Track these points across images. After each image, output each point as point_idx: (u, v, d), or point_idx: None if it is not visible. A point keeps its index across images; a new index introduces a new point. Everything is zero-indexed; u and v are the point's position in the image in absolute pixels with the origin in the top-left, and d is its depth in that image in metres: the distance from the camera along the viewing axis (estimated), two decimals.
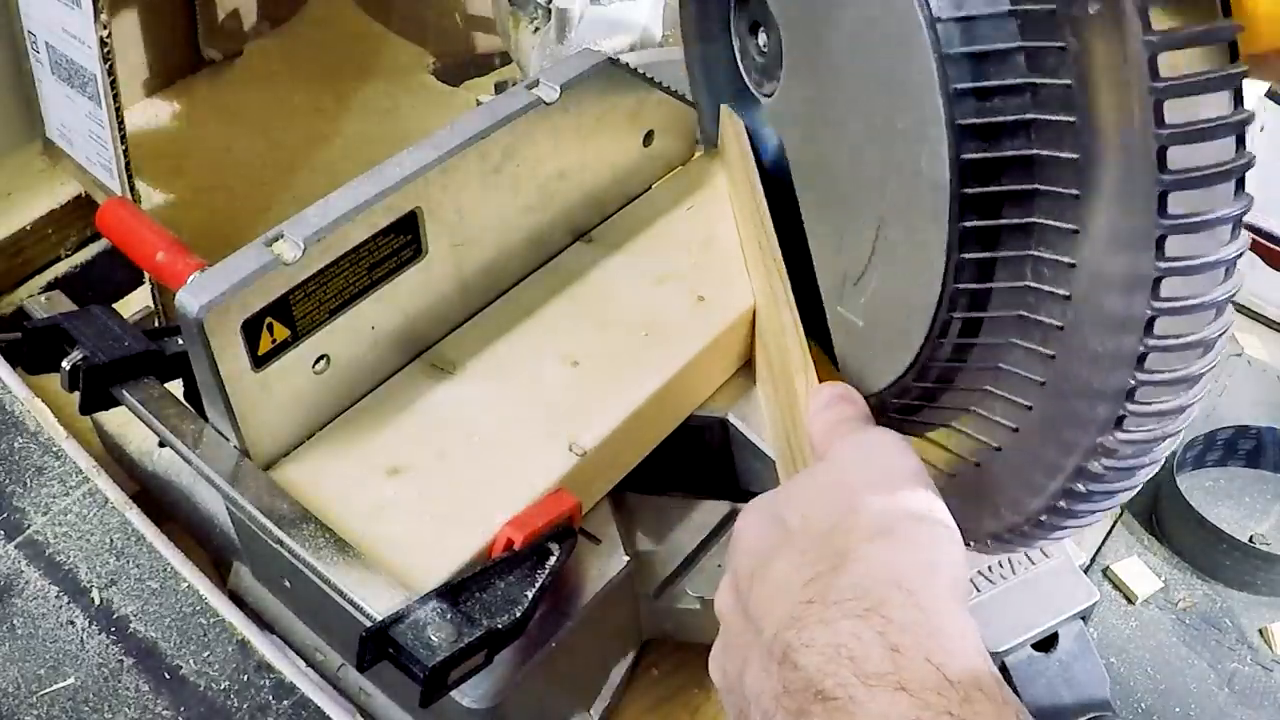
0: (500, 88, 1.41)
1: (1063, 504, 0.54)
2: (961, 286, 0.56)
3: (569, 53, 1.16)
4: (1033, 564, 0.67)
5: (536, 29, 1.22)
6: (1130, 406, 0.49)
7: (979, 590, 0.65)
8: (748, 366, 0.86)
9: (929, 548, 0.52)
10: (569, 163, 0.85)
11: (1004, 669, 0.63)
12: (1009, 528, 0.58)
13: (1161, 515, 1.08)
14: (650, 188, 0.94)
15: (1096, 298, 0.49)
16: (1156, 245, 0.45)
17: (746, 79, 0.82)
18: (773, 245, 0.81)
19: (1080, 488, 0.53)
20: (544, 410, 0.76)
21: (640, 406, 0.76)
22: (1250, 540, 1.03)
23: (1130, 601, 0.99)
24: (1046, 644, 0.64)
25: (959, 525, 0.56)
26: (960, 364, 0.59)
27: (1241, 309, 1.31)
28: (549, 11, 1.19)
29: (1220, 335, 0.48)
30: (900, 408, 0.65)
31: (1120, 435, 0.50)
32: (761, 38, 0.79)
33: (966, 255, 0.54)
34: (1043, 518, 0.56)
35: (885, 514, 0.52)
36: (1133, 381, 0.48)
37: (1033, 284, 0.53)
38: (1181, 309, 0.46)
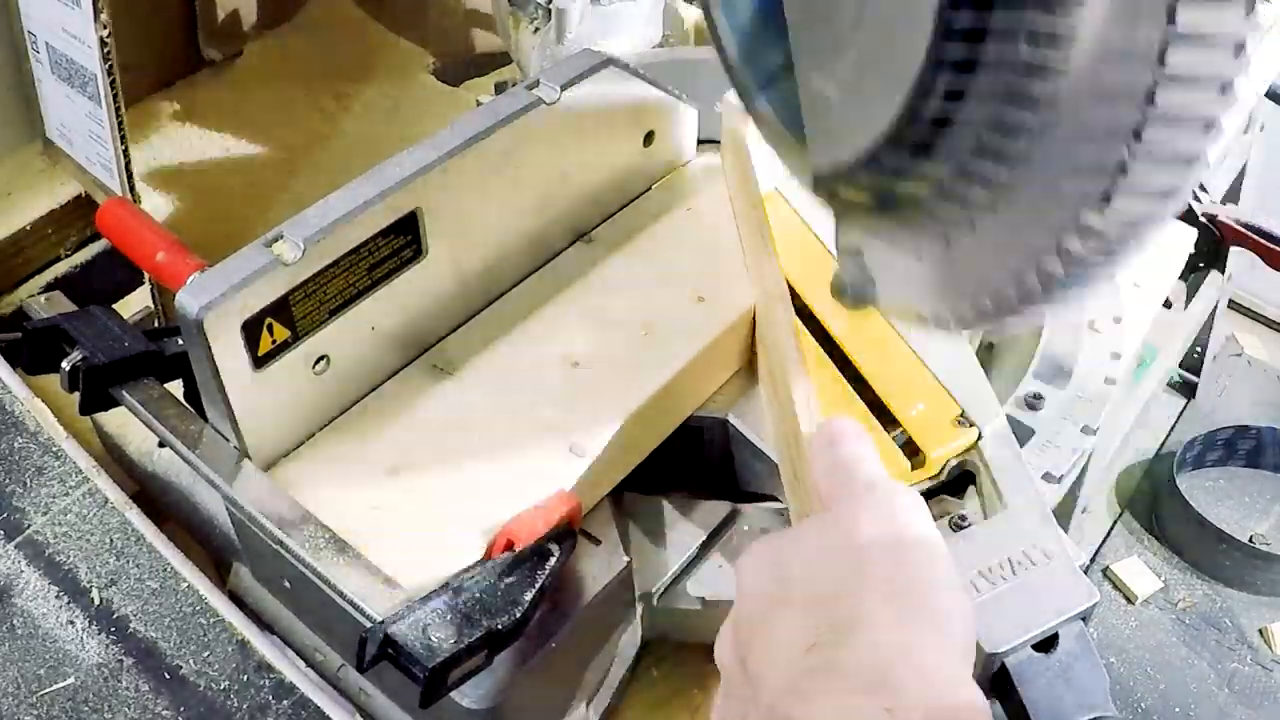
0: (500, 88, 1.41)
1: (1037, 285, 0.52)
2: (948, 46, 0.52)
3: (569, 53, 1.16)
4: (1033, 564, 0.67)
5: (536, 29, 1.22)
6: (1120, 182, 0.47)
7: (979, 591, 0.65)
8: (748, 367, 0.86)
9: (941, 619, 0.50)
10: (569, 163, 0.85)
11: (1004, 670, 0.63)
12: (977, 308, 0.56)
13: (1161, 515, 1.08)
14: (650, 188, 0.94)
15: (1095, 62, 0.47)
16: (1168, 14, 0.43)
17: None
18: (771, 244, 0.81)
19: (1058, 270, 0.51)
20: (544, 411, 0.76)
21: (640, 407, 0.76)
22: (1250, 540, 1.03)
23: (1130, 601, 1.00)
24: (1046, 644, 0.64)
25: (924, 305, 0.54)
26: (939, 133, 0.55)
27: (1241, 309, 1.31)
28: (549, 12, 1.19)
29: (1222, 115, 0.46)
30: (869, 181, 0.61)
31: (1107, 213, 0.48)
32: None
33: (957, 9, 0.51)
34: (1014, 298, 0.54)
35: (895, 581, 0.50)
36: (1125, 155, 0.46)
37: (1025, 47, 0.49)
38: (1185, 82, 0.45)
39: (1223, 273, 1.40)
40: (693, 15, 1.36)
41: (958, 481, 0.78)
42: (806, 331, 0.82)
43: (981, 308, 0.56)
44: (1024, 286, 0.53)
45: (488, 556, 0.67)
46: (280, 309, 0.69)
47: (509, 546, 0.67)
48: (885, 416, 0.79)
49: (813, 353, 0.82)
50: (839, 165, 0.62)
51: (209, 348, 0.66)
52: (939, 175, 0.57)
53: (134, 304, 1.08)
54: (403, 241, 0.74)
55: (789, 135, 0.69)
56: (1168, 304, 1.22)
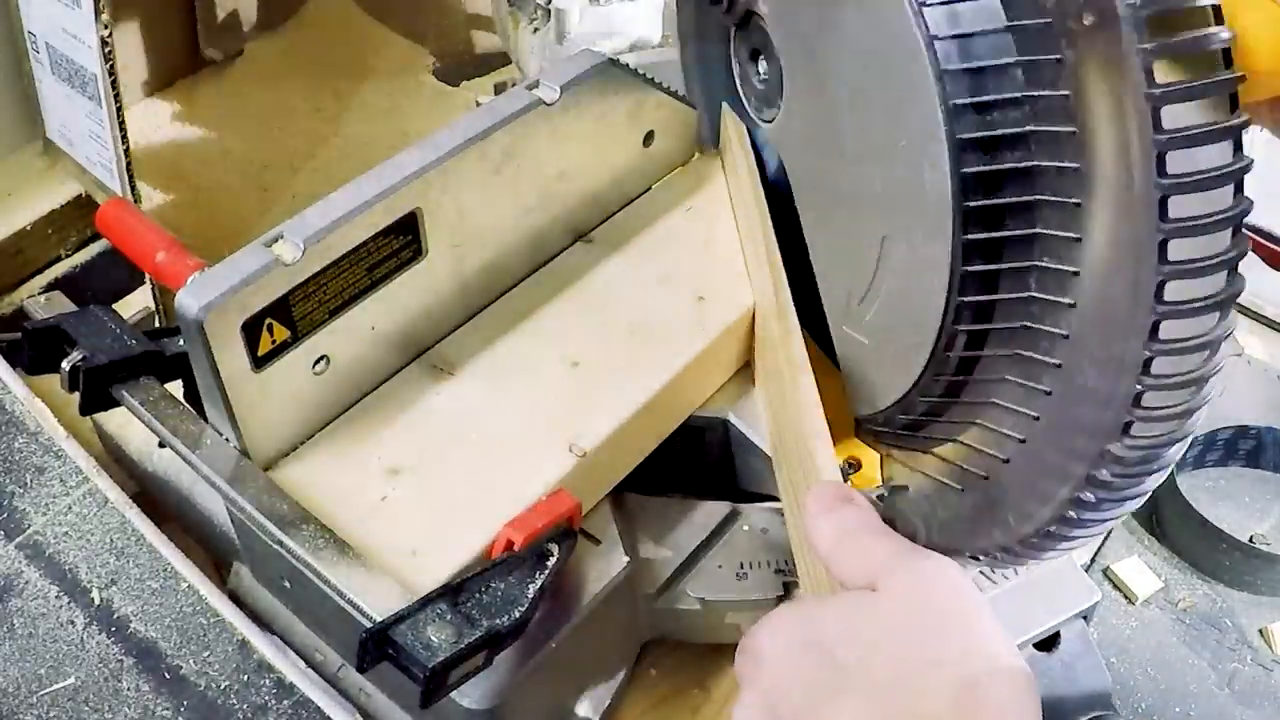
0: (499, 88, 1.41)
1: (1072, 514, 0.54)
2: (966, 300, 0.56)
3: (568, 53, 1.16)
4: (1035, 563, 0.67)
5: (536, 29, 1.22)
6: (1137, 412, 0.49)
7: (982, 590, 0.66)
8: (748, 367, 0.86)
9: (1013, 704, 0.50)
10: (569, 163, 0.85)
11: None
12: (1018, 539, 0.58)
13: (1162, 515, 1.08)
14: (650, 188, 0.94)
15: (1100, 305, 0.50)
16: (1159, 249, 0.45)
17: (747, 106, 0.83)
18: (772, 246, 0.81)
19: (1089, 496, 0.53)
20: (544, 411, 0.76)
21: (640, 407, 0.76)
22: (1250, 540, 1.03)
23: (1130, 601, 1.00)
24: (1049, 643, 0.64)
25: (967, 540, 0.55)
26: (966, 377, 0.59)
27: (1242, 309, 1.31)
28: (548, 12, 1.19)
29: (1225, 336, 0.48)
30: (906, 423, 0.65)
31: (1128, 442, 0.50)
32: (762, 65, 0.80)
33: (970, 268, 0.55)
34: (1051, 528, 0.56)
35: (963, 668, 0.50)
36: (1139, 387, 0.48)
37: (1037, 294, 0.53)
38: (1186, 311, 0.47)
39: None
40: None
41: None
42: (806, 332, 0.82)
43: (1023, 539, 0.58)
44: (1062, 515, 0.55)
45: (488, 556, 0.67)
46: (280, 309, 0.69)
47: (509, 546, 0.67)
48: None
49: (813, 353, 0.82)
50: (876, 411, 0.67)
51: (209, 348, 0.66)
52: (970, 417, 0.60)
53: (134, 304, 1.08)
54: (402, 241, 0.74)
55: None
56: None
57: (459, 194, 0.77)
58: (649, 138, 0.91)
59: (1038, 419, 0.55)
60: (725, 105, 0.94)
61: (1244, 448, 1.14)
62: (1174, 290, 0.46)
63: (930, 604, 0.53)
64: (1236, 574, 1.02)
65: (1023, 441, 0.56)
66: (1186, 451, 1.09)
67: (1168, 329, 0.47)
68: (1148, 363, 0.48)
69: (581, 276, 0.86)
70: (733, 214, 0.90)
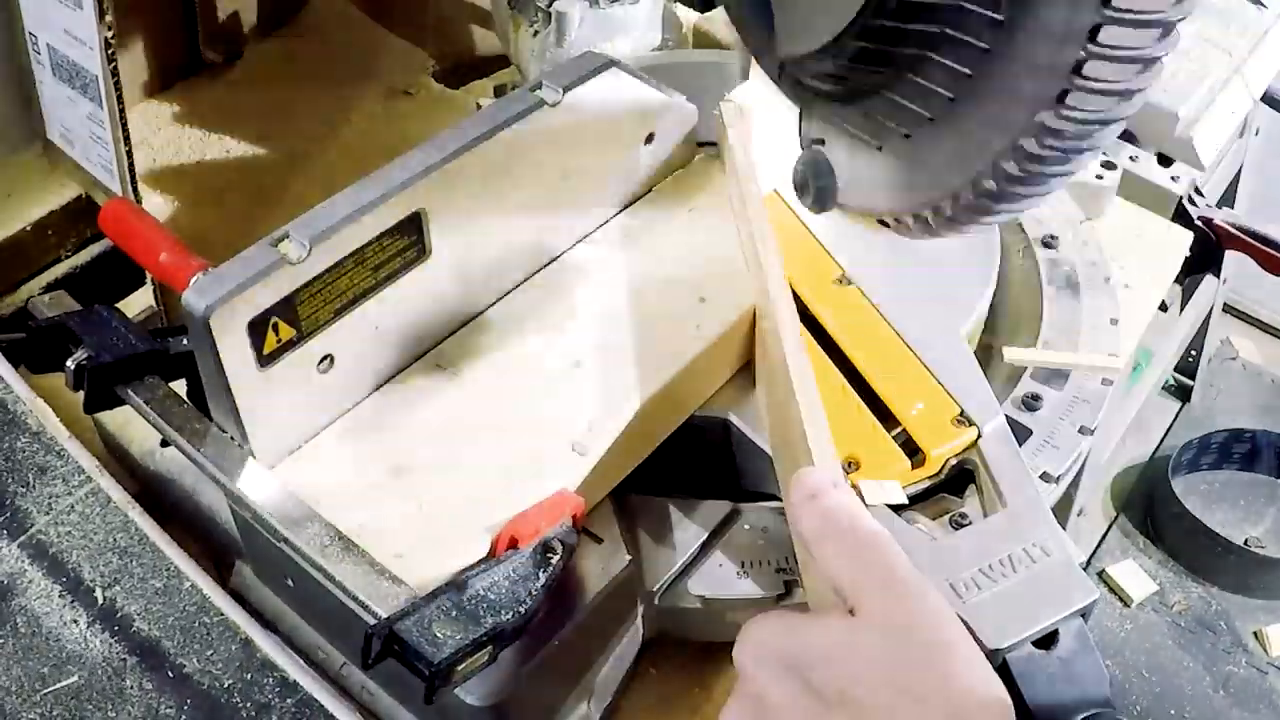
0: (500, 90, 1.41)
1: (992, 184, 0.51)
2: None
3: (568, 55, 1.17)
4: (1033, 561, 0.67)
5: (536, 32, 1.23)
6: (1076, 81, 0.47)
7: (979, 588, 0.66)
8: (748, 367, 0.86)
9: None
10: (571, 165, 0.85)
11: (1004, 666, 0.63)
12: (933, 206, 0.56)
13: (1156, 519, 1.08)
14: (651, 190, 0.95)
15: None
16: None
17: None
18: (772, 246, 0.82)
19: (1014, 169, 0.51)
20: (547, 410, 0.76)
21: (642, 407, 0.77)
22: (1245, 544, 1.04)
23: (1126, 604, 1.00)
24: (1046, 641, 0.64)
25: (882, 200, 0.53)
26: (901, 24, 0.56)
27: (1237, 313, 1.32)
28: (549, 15, 1.19)
29: (1178, 20, 0.46)
30: (835, 70, 0.62)
31: (1062, 112, 0.48)
32: None
33: None
34: (970, 198, 0.54)
35: (946, 701, 0.50)
36: (1082, 54, 0.46)
37: None
38: None
39: (1218, 276, 1.41)
40: (691, 18, 1.37)
41: (957, 480, 0.78)
42: (807, 332, 0.83)
43: (940, 209, 0.56)
44: (980, 187, 0.53)
45: (491, 554, 0.68)
46: (286, 308, 0.69)
47: (512, 545, 0.67)
48: (885, 416, 0.80)
49: (813, 353, 0.82)
50: (805, 53, 0.62)
51: (215, 346, 0.66)
52: (901, 66, 0.57)
53: (135, 305, 1.08)
54: (407, 242, 0.75)
55: (762, 32, 0.69)
56: (1163, 307, 1.22)
57: (463, 195, 0.77)
58: (650, 139, 0.91)
59: (971, 77, 0.52)
60: (722, 105, 0.94)
61: (1238, 451, 1.15)
62: None
63: (911, 635, 0.52)
64: (1231, 577, 1.03)
65: (951, 100, 0.54)
66: (1181, 455, 1.10)
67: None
68: (1095, 29, 0.46)
69: (583, 277, 0.86)
70: (733, 214, 0.90)
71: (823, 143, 0.64)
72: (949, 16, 0.53)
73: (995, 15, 0.50)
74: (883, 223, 0.61)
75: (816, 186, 0.63)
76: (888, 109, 0.59)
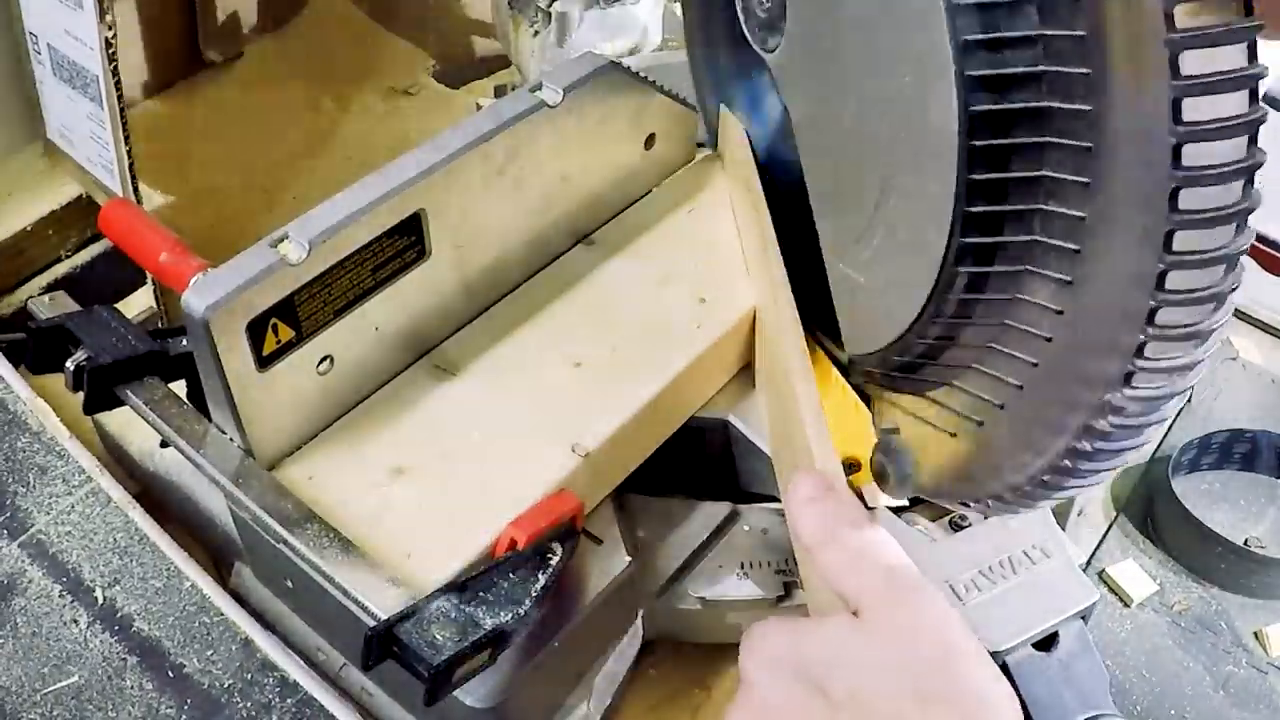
0: (500, 90, 1.41)
1: (1067, 463, 0.53)
2: (968, 241, 0.55)
3: (569, 56, 1.17)
4: (1033, 564, 0.67)
5: (536, 32, 1.23)
6: (1139, 362, 0.48)
7: (979, 590, 0.66)
8: (749, 368, 0.86)
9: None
10: (571, 165, 0.85)
11: (1004, 668, 0.63)
12: (1011, 487, 0.57)
13: (1157, 518, 1.08)
14: (651, 190, 0.94)
15: (1107, 252, 0.49)
16: (1170, 198, 0.45)
17: (749, 35, 0.81)
18: (772, 247, 0.82)
19: (1086, 446, 0.52)
20: (546, 411, 0.76)
21: (642, 408, 0.77)
22: (1245, 543, 1.03)
23: (1126, 604, 1.00)
24: (1047, 643, 0.64)
25: (959, 486, 0.54)
26: (964, 320, 0.58)
27: (1237, 313, 1.32)
28: (549, 15, 1.19)
29: (1232, 290, 0.48)
30: (900, 365, 0.64)
31: (1128, 392, 0.50)
32: None
33: (973, 209, 0.54)
34: (1046, 477, 0.55)
35: (954, 705, 0.50)
36: (1142, 337, 0.48)
37: (1041, 238, 0.52)
38: (1194, 262, 0.46)
39: None
40: None
41: None
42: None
43: (1017, 489, 0.57)
44: (1057, 465, 0.55)
45: (491, 555, 0.68)
46: (285, 309, 0.69)
47: (512, 546, 0.67)
48: None
49: (813, 353, 0.82)
50: (873, 350, 0.65)
51: (214, 347, 0.66)
52: (967, 360, 0.59)
53: (136, 305, 1.09)
54: (407, 242, 0.75)
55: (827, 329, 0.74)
56: None
57: (463, 195, 0.77)
58: (650, 140, 0.91)
59: (1036, 365, 0.54)
60: (724, 109, 0.94)
61: (1239, 451, 1.15)
62: (1183, 240, 0.45)
63: (918, 639, 0.53)
64: (1232, 577, 1.03)
65: (1020, 388, 0.55)
66: (1182, 454, 1.10)
67: (1175, 279, 0.46)
68: (1153, 313, 0.47)
69: (583, 278, 0.86)
70: (733, 215, 0.90)
71: (897, 431, 0.66)
72: (1008, 308, 0.55)
73: (1054, 306, 0.52)
74: (963, 504, 0.62)
75: (897, 475, 0.65)
76: (959, 399, 0.60)
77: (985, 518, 0.74)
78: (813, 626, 0.56)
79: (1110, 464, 0.54)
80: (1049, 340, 0.53)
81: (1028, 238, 0.53)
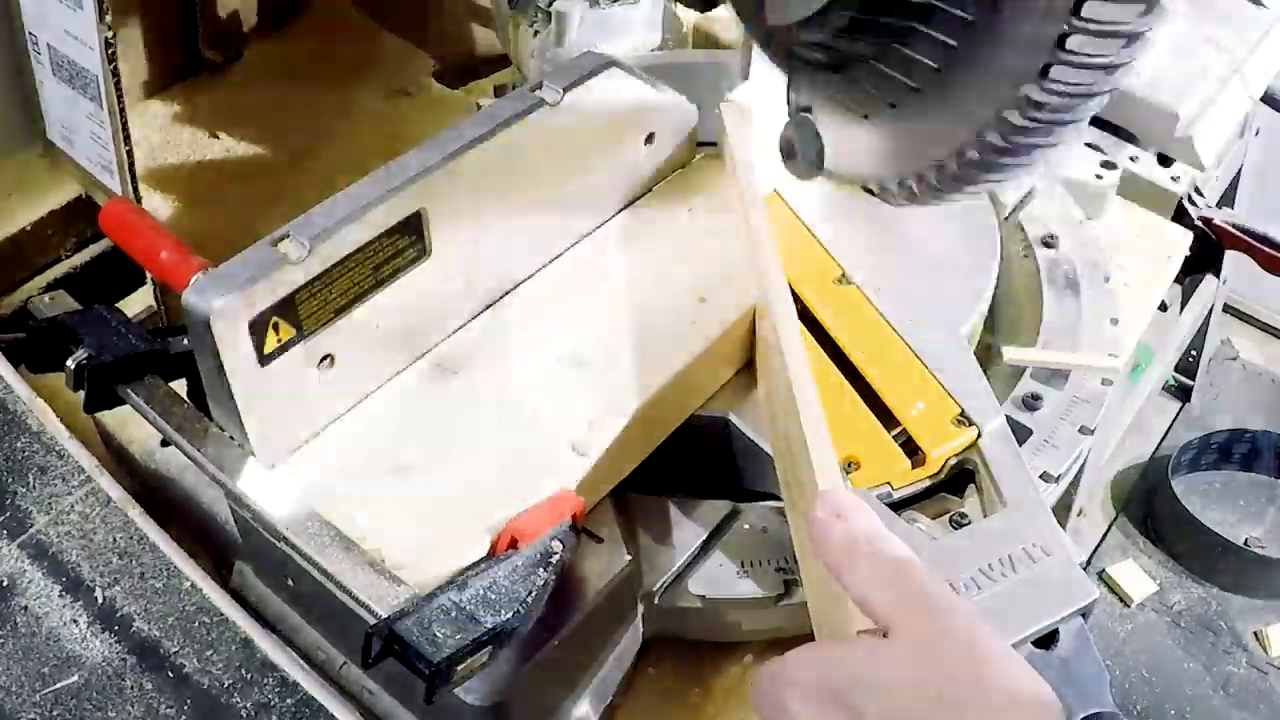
0: (500, 90, 1.41)
1: (975, 154, 0.52)
2: None
3: (569, 55, 1.17)
4: (1033, 562, 0.67)
5: (536, 32, 1.23)
6: (1060, 55, 0.47)
7: (979, 588, 0.66)
8: (749, 366, 0.86)
9: None
10: (572, 164, 0.85)
11: None
12: (918, 174, 0.56)
13: (1157, 519, 1.08)
14: (651, 190, 0.95)
15: None
16: None
17: None
18: (771, 246, 0.82)
19: (997, 139, 0.51)
20: (547, 410, 0.76)
21: (642, 406, 0.77)
22: (1245, 544, 1.04)
23: (1126, 604, 1.00)
24: (1046, 641, 0.64)
25: (868, 168, 0.53)
26: None
27: (1236, 313, 1.32)
28: (549, 15, 1.19)
29: None
30: (820, 41, 0.62)
31: (1045, 85, 0.49)
32: None
33: None
34: (955, 169, 0.54)
35: (989, 707, 0.50)
36: (1065, 28, 0.47)
37: None
38: None
39: (1218, 277, 1.41)
40: (691, 18, 1.37)
41: (957, 480, 0.78)
42: (807, 332, 0.83)
43: (925, 177, 0.57)
44: (964, 157, 0.54)
45: (492, 554, 0.68)
46: (286, 308, 0.69)
47: (513, 544, 0.67)
48: (885, 416, 0.80)
49: (813, 353, 0.82)
50: (793, 22, 0.62)
51: (215, 346, 0.66)
52: (888, 37, 0.57)
53: (136, 305, 1.08)
54: (407, 241, 0.75)
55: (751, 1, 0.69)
56: (1163, 307, 1.22)
57: (463, 194, 0.77)
58: (650, 139, 0.91)
59: (956, 48, 0.53)
60: (722, 105, 0.94)
61: (1239, 451, 1.15)
62: None
63: (948, 653, 0.52)
64: (1231, 577, 1.03)
65: (937, 71, 0.54)
66: (1182, 455, 1.10)
67: None
68: (1079, 4, 0.46)
69: (584, 277, 0.86)
70: (733, 215, 0.90)
71: (810, 110, 0.65)
72: None
73: None
74: (868, 190, 0.61)
75: (804, 152, 0.64)
76: (875, 79, 0.59)
77: (984, 507, 0.74)
78: (841, 650, 0.55)
79: (1020, 160, 0.53)
80: (972, 23, 0.52)
81: None
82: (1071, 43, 0.47)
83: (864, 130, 0.60)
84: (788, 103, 0.68)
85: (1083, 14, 0.46)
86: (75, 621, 0.80)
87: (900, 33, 0.57)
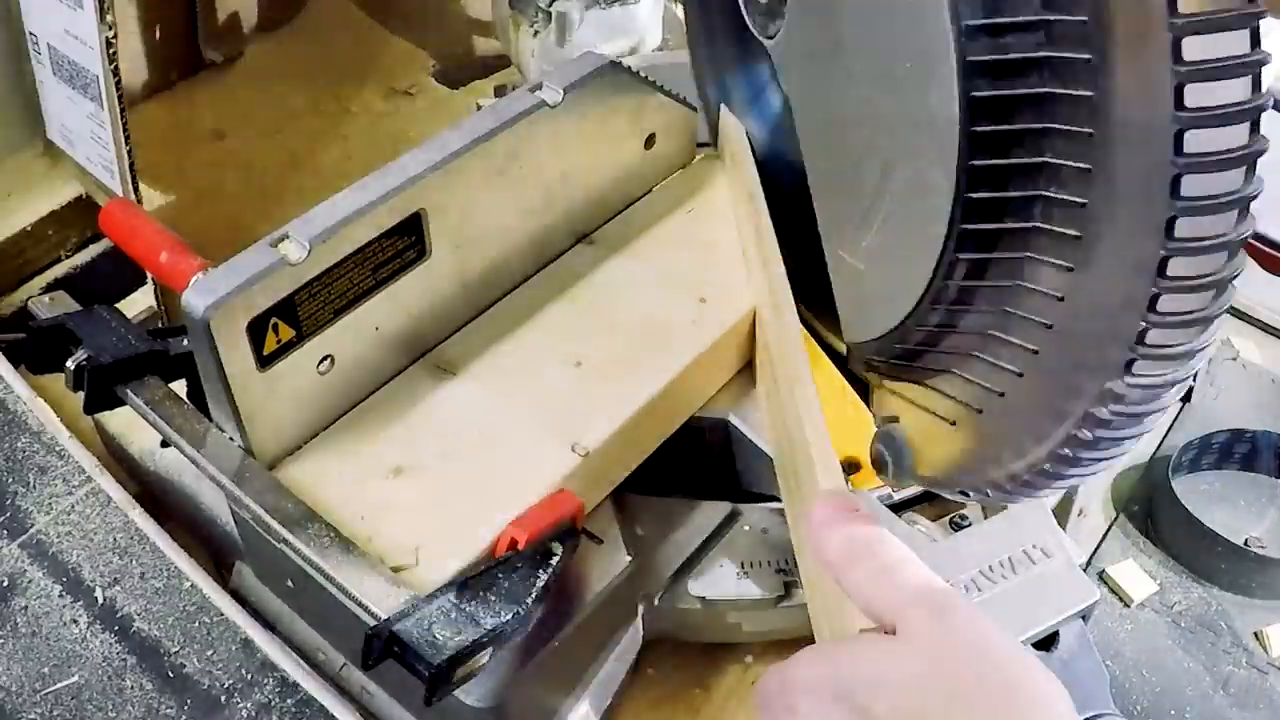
0: (500, 91, 1.41)
1: (1067, 451, 0.53)
2: (968, 227, 0.54)
3: (569, 56, 1.17)
4: (1033, 563, 0.67)
5: (536, 32, 1.23)
6: (1140, 349, 0.48)
7: (980, 590, 0.66)
8: (749, 367, 0.86)
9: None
10: (571, 165, 0.85)
11: None
12: (1011, 475, 0.56)
13: (1157, 518, 1.08)
14: (651, 190, 0.95)
15: (1109, 238, 0.48)
16: (1171, 185, 0.44)
17: (750, 22, 0.80)
18: (772, 247, 0.82)
19: (1086, 434, 0.52)
20: (546, 411, 0.76)
21: (642, 407, 0.77)
22: (1245, 544, 1.03)
23: (1126, 604, 1.00)
24: (1047, 643, 0.64)
25: (959, 475, 0.54)
26: (965, 307, 0.58)
27: (1236, 313, 1.32)
28: (549, 15, 1.19)
29: (1233, 277, 0.48)
30: (899, 353, 0.64)
31: (1129, 379, 0.49)
32: None
33: (974, 195, 0.53)
34: (1047, 465, 0.55)
35: (1001, 701, 0.50)
36: (1144, 324, 0.47)
37: (1042, 225, 0.52)
38: (1196, 249, 0.46)
39: None
40: None
41: None
42: (807, 332, 0.83)
43: (1016, 477, 0.57)
44: (1056, 454, 0.54)
45: (491, 555, 0.68)
46: (285, 309, 0.69)
47: (512, 545, 0.67)
48: None
49: (813, 352, 0.82)
50: (872, 338, 0.65)
51: (215, 347, 0.66)
52: (966, 347, 0.59)
53: (136, 305, 1.09)
54: (407, 242, 0.75)
55: (825, 316, 0.72)
56: None
57: (463, 195, 0.77)
58: (650, 140, 0.91)
59: (1037, 352, 0.54)
60: (724, 109, 0.94)
61: (1239, 451, 1.15)
62: (1185, 227, 0.45)
63: (957, 650, 0.52)
64: (1232, 577, 1.03)
65: (1020, 376, 0.55)
66: (1182, 455, 1.10)
67: (1176, 266, 0.46)
68: (1154, 299, 0.47)
69: (583, 278, 0.86)
70: (733, 215, 0.90)
71: (896, 420, 0.65)
72: (1008, 296, 0.55)
73: (1055, 292, 0.52)
74: (963, 494, 0.61)
75: (895, 463, 0.64)
76: (958, 386, 0.60)
77: (984, 507, 0.74)
78: (848, 649, 0.55)
79: (1110, 453, 0.53)
80: (1049, 327, 0.53)
81: (1029, 224, 0.52)
82: (1150, 337, 0.49)
83: (952, 436, 0.60)
84: (872, 414, 0.69)
85: (1158, 309, 0.48)
86: (75, 621, 0.80)
87: (980, 341, 0.58)
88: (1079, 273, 0.51)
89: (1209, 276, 0.47)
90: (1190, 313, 0.48)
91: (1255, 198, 0.46)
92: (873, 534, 0.57)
